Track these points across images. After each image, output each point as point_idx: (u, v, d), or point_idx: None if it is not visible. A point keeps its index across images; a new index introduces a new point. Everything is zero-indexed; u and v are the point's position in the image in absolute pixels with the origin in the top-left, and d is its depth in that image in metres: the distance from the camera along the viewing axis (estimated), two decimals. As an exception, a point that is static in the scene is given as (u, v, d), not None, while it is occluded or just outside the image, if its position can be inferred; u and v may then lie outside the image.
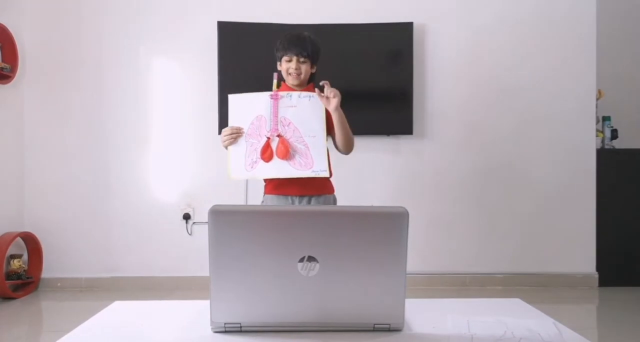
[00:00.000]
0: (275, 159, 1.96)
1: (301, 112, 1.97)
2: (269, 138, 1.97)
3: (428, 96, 3.55)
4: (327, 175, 1.98)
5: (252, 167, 1.97)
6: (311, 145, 1.97)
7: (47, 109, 3.50)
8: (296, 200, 2.07)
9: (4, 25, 3.25)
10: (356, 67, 3.40)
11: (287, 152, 1.95)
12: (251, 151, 1.98)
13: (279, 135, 1.97)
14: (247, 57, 3.38)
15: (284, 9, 3.47)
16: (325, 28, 3.38)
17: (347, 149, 2.08)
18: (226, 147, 2.01)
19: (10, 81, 3.32)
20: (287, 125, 1.98)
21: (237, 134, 1.97)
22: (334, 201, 2.15)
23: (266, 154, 1.97)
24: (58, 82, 3.50)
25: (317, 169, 1.96)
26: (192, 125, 3.53)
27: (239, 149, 1.98)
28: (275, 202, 2.07)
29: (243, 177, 2.02)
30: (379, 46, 3.44)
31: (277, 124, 1.97)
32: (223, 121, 3.38)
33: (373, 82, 3.44)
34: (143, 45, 3.52)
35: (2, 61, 3.28)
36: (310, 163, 1.96)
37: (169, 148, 3.54)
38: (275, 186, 2.07)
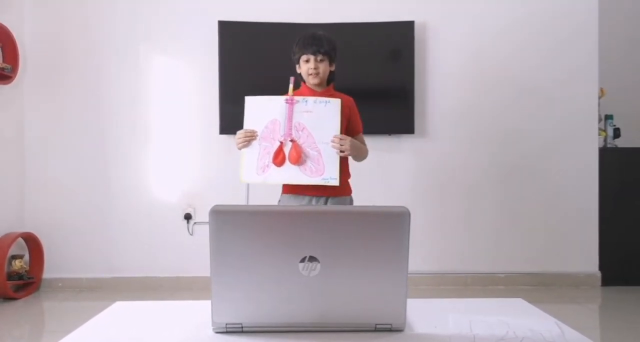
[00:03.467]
0: (287, 164, 1.98)
1: (316, 118, 1.98)
2: (281, 142, 1.98)
3: (429, 95, 3.55)
4: (337, 183, 1.98)
5: (263, 171, 1.99)
6: (324, 152, 1.98)
7: (48, 110, 3.50)
8: (313, 200, 2.09)
9: (4, 25, 3.25)
10: (357, 66, 3.38)
11: (298, 158, 1.97)
12: (264, 154, 1.99)
13: (292, 140, 1.98)
14: (248, 57, 3.38)
15: (285, 8, 3.46)
16: (327, 27, 3.33)
17: (359, 161, 2.20)
18: (240, 149, 2.02)
19: (11, 81, 3.31)
20: (301, 131, 1.98)
21: (251, 137, 1.99)
22: (351, 202, 2.18)
23: (278, 158, 1.98)
24: (59, 83, 3.50)
25: (327, 177, 1.97)
26: (193, 124, 3.53)
27: (252, 152, 2.00)
28: (292, 201, 2.09)
29: (254, 181, 2.04)
30: (380, 45, 3.44)
31: (291, 129, 1.98)
32: (224, 121, 3.41)
33: (374, 81, 3.43)
34: (143, 45, 3.52)
35: (3, 62, 3.28)
36: (321, 170, 1.98)
37: (170, 148, 3.54)
38: (293, 186, 2.08)
